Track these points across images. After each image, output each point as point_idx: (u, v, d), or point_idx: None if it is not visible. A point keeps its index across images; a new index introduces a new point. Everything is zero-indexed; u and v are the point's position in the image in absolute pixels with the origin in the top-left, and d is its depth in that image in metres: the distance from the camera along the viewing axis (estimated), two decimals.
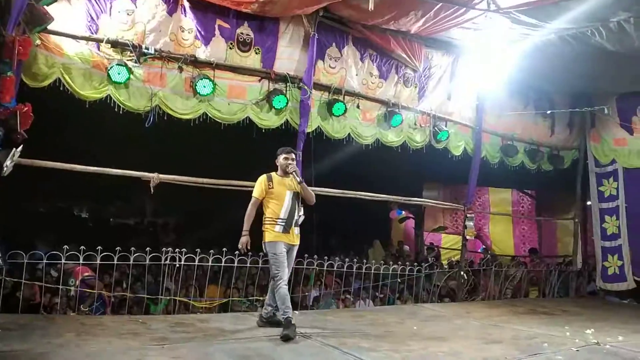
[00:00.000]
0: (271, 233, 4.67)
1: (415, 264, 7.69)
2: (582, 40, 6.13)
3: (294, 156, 4.81)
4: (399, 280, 7.37)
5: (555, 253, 11.46)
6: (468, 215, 8.02)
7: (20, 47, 4.24)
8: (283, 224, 4.65)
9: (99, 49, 5.20)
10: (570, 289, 8.99)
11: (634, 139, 8.43)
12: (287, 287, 4.61)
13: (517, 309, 6.98)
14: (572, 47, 6.30)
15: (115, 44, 5.24)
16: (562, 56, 6.56)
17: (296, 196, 4.74)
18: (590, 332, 5.35)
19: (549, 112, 8.34)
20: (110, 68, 5.14)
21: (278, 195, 4.69)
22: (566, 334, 5.30)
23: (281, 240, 4.64)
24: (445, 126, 7.51)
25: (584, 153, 9.08)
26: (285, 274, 4.61)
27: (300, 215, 4.75)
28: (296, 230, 4.74)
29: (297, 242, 4.78)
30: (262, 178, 4.76)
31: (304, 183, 4.71)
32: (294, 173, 4.73)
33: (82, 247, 5.16)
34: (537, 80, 8.00)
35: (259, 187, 4.73)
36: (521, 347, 4.64)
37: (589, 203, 9.37)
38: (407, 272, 7.32)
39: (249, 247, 4.69)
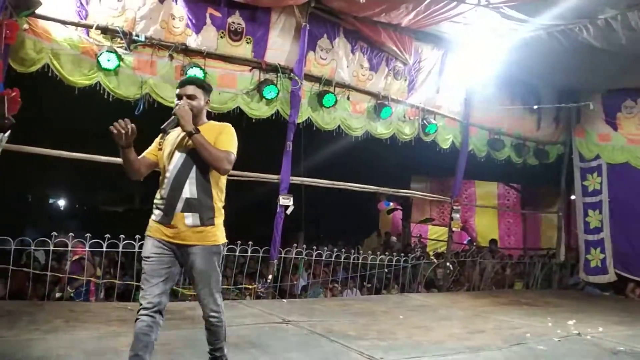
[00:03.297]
0: (149, 224, 2.90)
1: (403, 254, 7.78)
2: (570, 36, 6.20)
3: (192, 90, 2.89)
4: (385, 270, 7.46)
5: (539, 246, 11.65)
6: (454, 207, 8.13)
7: (7, 31, 4.17)
8: (162, 206, 2.81)
9: (88, 35, 5.14)
10: (553, 281, 9.15)
11: (617, 134, 8.57)
12: (145, 321, 2.74)
13: (501, 300, 7.10)
14: (560, 43, 6.37)
15: (105, 31, 5.19)
16: (550, 52, 6.64)
17: (194, 159, 2.80)
18: (571, 323, 5.47)
19: (535, 107, 8.41)
20: (100, 55, 5.10)
21: (166, 158, 2.87)
22: (548, 325, 5.42)
23: (151, 236, 2.84)
24: (434, 119, 7.57)
25: (569, 148, 9.19)
26: (147, 294, 2.74)
27: (190, 194, 2.77)
28: (189, 219, 2.75)
29: (191, 241, 2.77)
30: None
31: (198, 136, 2.72)
32: (178, 117, 2.76)
33: (70, 233, 5.16)
34: (525, 75, 8.07)
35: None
36: (504, 337, 4.74)
37: (573, 197, 9.53)
38: (394, 263, 7.40)
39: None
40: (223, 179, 2.92)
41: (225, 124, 2.98)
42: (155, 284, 2.77)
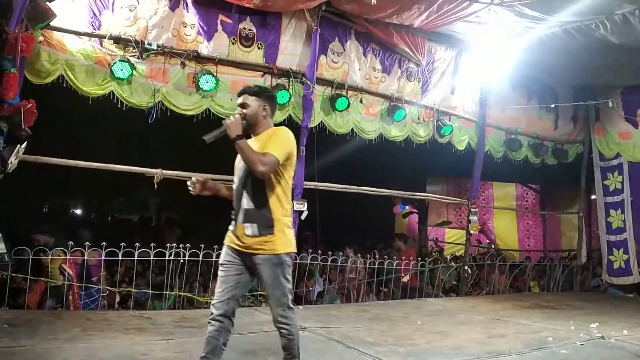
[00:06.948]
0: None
1: (419, 258, 7.69)
2: (587, 33, 6.08)
3: (243, 99, 2.96)
4: (402, 275, 7.37)
5: (560, 247, 11.46)
6: (472, 209, 8.01)
7: (23, 44, 4.23)
8: (233, 215, 2.96)
9: (101, 45, 5.19)
10: (574, 283, 8.97)
11: (638, 132, 8.38)
12: (214, 325, 2.86)
13: (522, 304, 6.97)
14: (577, 40, 6.26)
15: (117, 40, 5.23)
16: (566, 49, 6.52)
17: (249, 170, 2.85)
18: (594, 326, 5.34)
19: (552, 105, 8.28)
20: (113, 64, 5.13)
21: (235, 169, 3.03)
22: (571, 328, 5.30)
23: (225, 244, 2.99)
24: (449, 120, 7.48)
25: (589, 147, 9.02)
26: (216, 300, 2.88)
27: (248, 205, 2.86)
28: (249, 229, 2.83)
29: (252, 250, 2.84)
30: None
31: (239, 141, 2.76)
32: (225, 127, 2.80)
33: (87, 242, 5.20)
34: (541, 73, 7.95)
35: None
36: (525, 341, 4.64)
37: (593, 197, 9.36)
38: (410, 267, 7.32)
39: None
40: (281, 188, 2.88)
41: (280, 127, 2.99)
42: (224, 290, 2.88)
